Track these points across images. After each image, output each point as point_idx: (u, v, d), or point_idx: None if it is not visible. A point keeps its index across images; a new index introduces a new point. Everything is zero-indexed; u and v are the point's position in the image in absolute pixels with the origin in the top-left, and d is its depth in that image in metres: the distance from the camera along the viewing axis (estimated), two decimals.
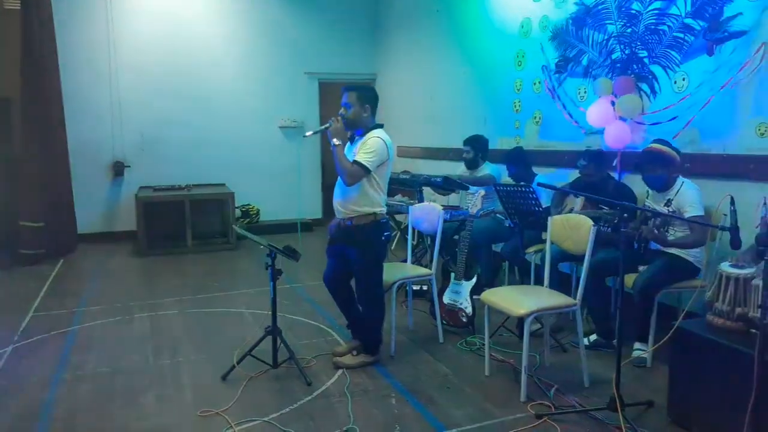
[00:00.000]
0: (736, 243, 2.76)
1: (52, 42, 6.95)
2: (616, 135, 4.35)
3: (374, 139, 3.44)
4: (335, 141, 3.42)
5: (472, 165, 5.42)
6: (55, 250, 6.93)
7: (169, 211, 7.48)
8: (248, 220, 8.46)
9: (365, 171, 3.40)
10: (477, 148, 5.40)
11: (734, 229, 2.74)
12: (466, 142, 5.46)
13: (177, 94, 8.15)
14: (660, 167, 3.57)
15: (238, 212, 8.30)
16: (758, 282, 2.52)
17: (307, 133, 3.77)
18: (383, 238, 3.60)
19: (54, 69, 7.01)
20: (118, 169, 7.95)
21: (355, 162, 3.40)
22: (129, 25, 7.85)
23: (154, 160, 8.14)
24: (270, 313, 3.60)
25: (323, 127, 3.55)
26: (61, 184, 7.17)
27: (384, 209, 3.59)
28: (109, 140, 7.91)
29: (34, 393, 3.37)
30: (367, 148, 3.42)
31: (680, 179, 3.61)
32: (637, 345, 3.52)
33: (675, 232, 3.56)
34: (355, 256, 3.56)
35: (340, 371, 3.61)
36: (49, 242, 6.82)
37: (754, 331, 2.58)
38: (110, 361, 3.84)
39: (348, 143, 3.61)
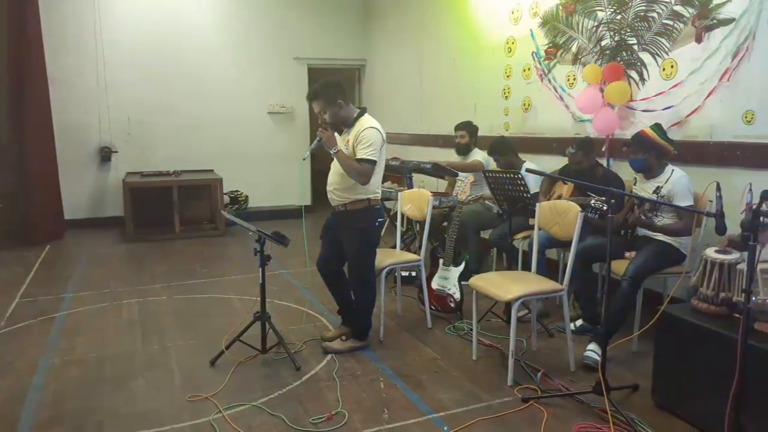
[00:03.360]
0: (721, 229, 2.79)
1: (37, 24, 6.85)
2: (604, 122, 4.37)
3: (367, 130, 3.43)
4: (333, 150, 3.41)
5: (464, 150, 5.42)
6: (42, 236, 6.87)
7: (157, 196, 7.44)
8: (237, 206, 8.43)
9: (372, 165, 3.41)
10: (470, 133, 5.40)
11: (720, 215, 2.76)
12: (460, 127, 5.45)
13: (165, 79, 8.08)
14: (640, 151, 3.60)
15: (226, 198, 8.27)
16: (743, 267, 2.55)
17: (305, 157, 3.85)
18: (377, 223, 3.61)
19: (39, 52, 6.91)
20: (105, 155, 7.88)
21: (361, 160, 3.40)
22: (116, 8, 7.75)
23: (141, 146, 8.08)
24: (258, 298, 3.60)
25: (315, 143, 3.52)
26: (46, 169, 7.09)
27: (378, 195, 3.60)
28: (95, 125, 7.84)
29: (21, 378, 3.36)
30: (364, 143, 3.41)
31: (670, 167, 3.62)
32: (591, 346, 3.49)
33: (663, 218, 3.59)
34: (348, 241, 3.57)
35: (329, 356, 3.62)
36: (36, 227, 6.76)
37: (737, 315, 2.62)
38: (98, 347, 3.83)
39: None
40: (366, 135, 3.42)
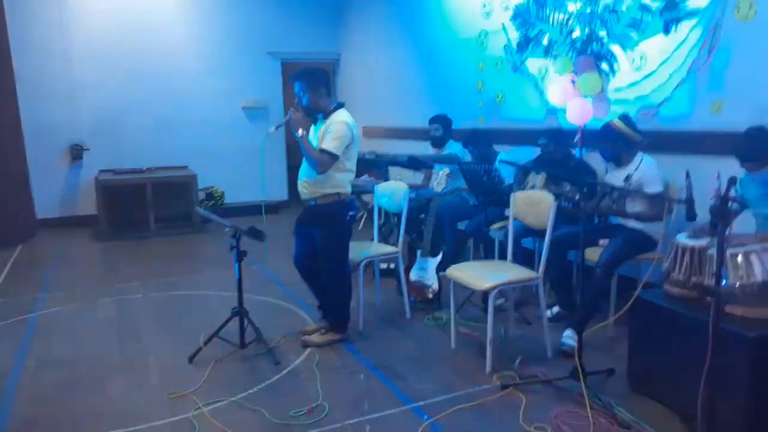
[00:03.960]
0: (691, 215, 2.86)
1: (2, 22, 6.69)
2: (577, 112, 4.42)
3: (338, 124, 3.44)
4: (299, 132, 3.40)
5: (439, 143, 5.44)
6: (13, 236, 6.74)
7: (131, 194, 7.34)
8: (213, 202, 8.36)
9: (333, 158, 3.41)
10: (445, 126, 5.43)
11: (690, 202, 2.82)
12: (434, 120, 5.47)
13: (135, 75, 7.94)
14: (609, 141, 3.67)
15: (202, 195, 8.18)
16: (713, 252, 2.61)
17: (270, 129, 3.67)
18: (348, 217, 3.61)
19: (6, 49, 6.76)
20: (77, 153, 7.74)
21: (323, 151, 3.40)
22: (83, 3, 7.59)
23: (114, 143, 7.94)
24: (235, 294, 3.58)
25: (284, 121, 3.52)
26: (16, 168, 6.95)
27: (349, 189, 3.59)
28: (65, 123, 7.68)
29: None
30: (332, 135, 3.41)
31: (639, 155, 3.69)
32: (567, 332, 3.54)
33: (634, 206, 3.65)
34: (320, 235, 3.57)
35: (308, 349, 3.62)
36: (6, 227, 6.63)
37: (708, 298, 2.68)
38: (74, 348, 3.78)
39: (312, 125, 3.60)
40: (335, 128, 3.43)
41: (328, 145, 3.40)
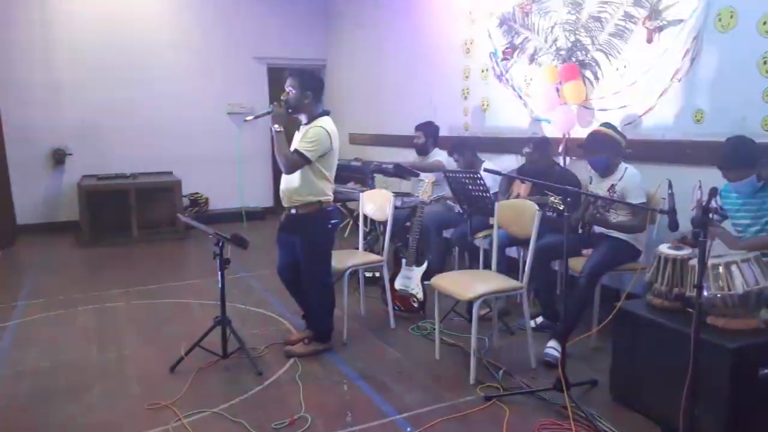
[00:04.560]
0: (673, 225, 2.86)
1: None
2: (562, 120, 4.44)
3: (316, 128, 3.42)
4: (276, 127, 3.38)
5: (422, 151, 5.45)
6: None
7: (114, 200, 7.26)
8: (197, 208, 8.30)
9: (304, 160, 3.38)
10: (428, 134, 5.43)
11: (672, 212, 2.83)
12: (418, 127, 5.48)
13: (119, 79, 7.86)
14: (603, 150, 3.65)
15: (186, 201, 8.12)
16: (694, 262, 2.62)
17: (248, 118, 3.64)
18: (330, 226, 3.58)
19: None
20: (59, 157, 7.65)
21: (295, 151, 3.38)
22: (64, 4, 7.51)
23: (97, 148, 7.86)
24: (218, 303, 3.54)
25: (264, 111, 3.50)
26: None
27: (330, 197, 3.57)
28: (47, 127, 7.59)
29: None
30: (308, 138, 3.39)
31: (623, 165, 3.69)
32: (550, 343, 3.54)
33: (618, 216, 3.67)
34: (301, 244, 3.54)
35: (291, 360, 3.59)
36: None
37: (690, 310, 2.69)
38: (52, 356, 3.72)
39: (296, 131, 3.58)
40: (313, 131, 3.41)
41: (302, 146, 3.38)
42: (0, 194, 6.91)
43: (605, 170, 3.70)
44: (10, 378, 3.41)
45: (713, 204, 2.32)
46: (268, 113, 3.44)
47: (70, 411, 3.02)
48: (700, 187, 2.87)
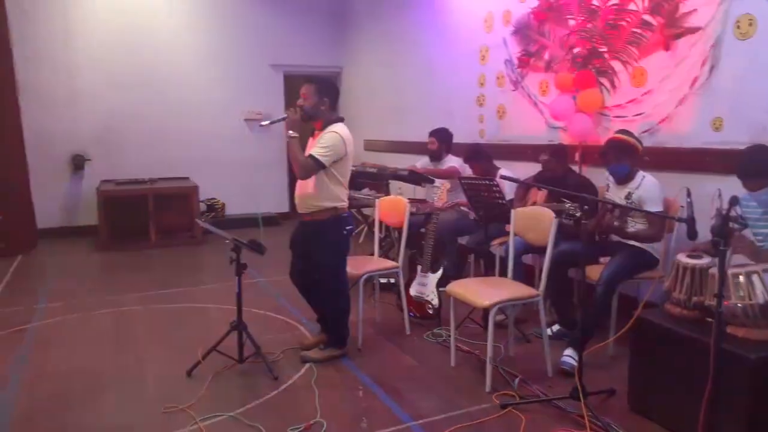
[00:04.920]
0: (692, 234, 2.84)
1: (5, 32, 6.73)
2: (579, 128, 4.42)
3: (331, 134, 3.44)
4: (290, 133, 3.40)
5: (436, 157, 5.45)
6: (14, 246, 6.73)
7: (132, 205, 7.35)
8: (213, 214, 8.36)
9: (319, 166, 3.39)
10: (442, 140, 5.43)
11: (691, 221, 2.81)
12: (432, 133, 5.48)
13: (139, 86, 7.99)
14: (624, 156, 3.63)
15: (203, 206, 8.19)
16: (714, 271, 2.60)
17: (263, 123, 3.71)
18: (344, 232, 3.59)
19: (8, 59, 6.79)
20: (78, 163, 7.77)
21: (310, 156, 3.40)
22: (86, 15, 7.65)
23: (116, 154, 7.98)
24: (235, 307, 3.57)
25: (280, 117, 3.53)
26: (17, 178, 6.96)
27: (344, 203, 3.59)
28: (67, 133, 7.72)
29: None
30: (323, 143, 3.41)
31: (641, 173, 3.67)
32: (567, 351, 3.52)
33: (635, 224, 3.64)
34: (316, 251, 3.55)
35: (307, 365, 3.60)
36: (7, 237, 6.63)
37: (709, 319, 2.66)
38: (71, 359, 3.76)
39: (309, 137, 3.60)
40: (328, 137, 3.43)
41: (317, 151, 3.40)
42: (21, 199, 7.01)
43: (625, 178, 3.68)
44: (30, 380, 3.45)
45: (733, 213, 2.31)
46: (284, 119, 3.46)
47: (88, 414, 3.06)
48: (719, 195, 2.84)
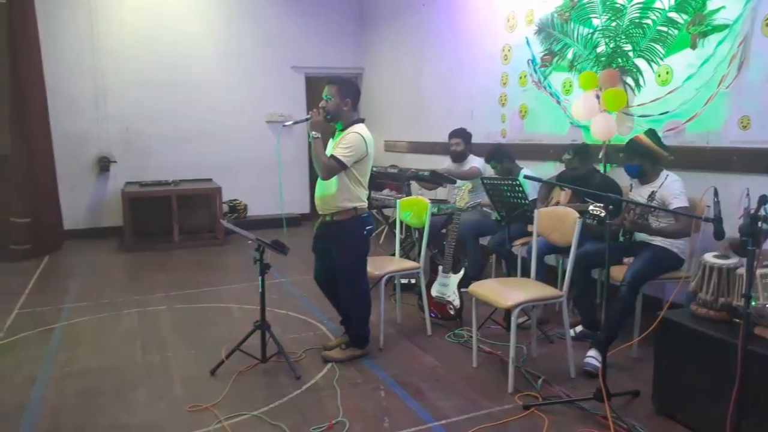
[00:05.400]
0: (719, 234, 2.80)
1: (35, 36, 6.86)
2: (602, 127, 4.38)
3: (352, 134, 3.46)
4: (313, 133, 3.42)
5: (460, 158, 5.43)
6: (42, 247, 6.86)
7: (156, 206, 7.44)
8: (236, 215, 8.44)
9: (341, 166, 3.42)
10: (466, 140, 5.42)
11: (718, 221, 2.77)
12: (455, 134, 5.46)
13: (163, 89, 8.09)
14: (636, 157, 3.62)
15: (225, 207, 8.27)
16: (742, 271, 2.56)
17: (287, 123, 3.76)
18: (365, 232, 3.61)
19: (37, 63, 6.93)
20: (104, 165, 7.89)
21: (332, 157, 3.42)
22: (113, 18, 7.78)
23: (140, 156, 8.09)
24: (258, 307, 3.60)
25: (303, 118, 3.57)
26: (46, 180, 7.10)
27: (365, 204, 3.60)
28: (93, 135, 7.86)
29: (20, 391, 3.34)
30: (344, 144, 3.43)
31: (664, 172, 3.63)
32: (591, 352, 3.48)
33: (659, 223, 3.60)
34: (337, 251, 3.57)
35: (329, 365, 3.62)
36: (35, 238, 6.77)
37: (737, 320, 2.62)
38: (98, 358, 3.82)
39: (330, 137, 3.62)
40: (350, 137, 3.45)
41: (339, 152, 3.42)
42: (49, 200, 7.14)
43: (638, 177, 3.66)
44: (58, 378, 3.52)
45: (762, 212, 2.27)
46: (307, 120, 3.49)
47: (115, 411, 3.10)
48: (747, 194, 2.79)
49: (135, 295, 5.24)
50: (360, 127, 3.52)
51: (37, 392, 3.33)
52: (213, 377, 3.46)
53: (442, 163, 5.70)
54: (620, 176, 4.23)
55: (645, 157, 3.59)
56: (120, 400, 3.23)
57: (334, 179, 3.47)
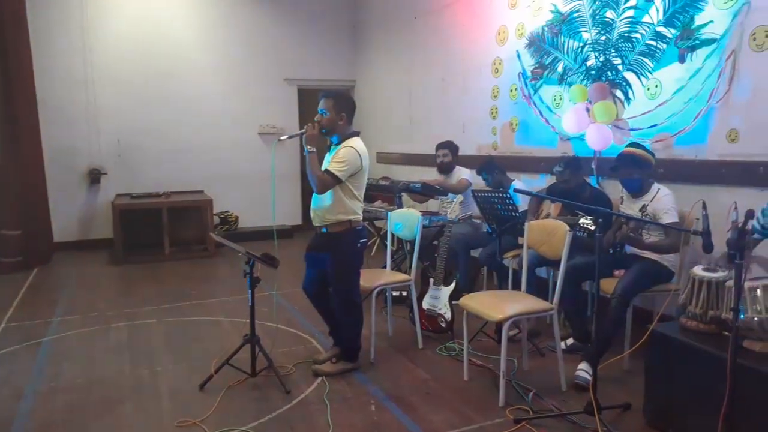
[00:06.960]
0: (708, 247, 2.81)
1: (26, 48, 6.84)
2: (596, 137, 4.38)
3: (347, 148, 3.46)
4: (309, 148, 3.42)
5: (447, 169, 5.44)
6: (31, 259, 6.81)
7: (147, 218, 7.41)
8: (227, 227, 8.41)
9: (336, 180, 3.42)
10: (454, 152, 5.44)
11: (706, 234, 2.79)
12: (443, 146, 5.48)
13: (154, 101, 8.08)
14: (635, 170, 3.62)
15: (216, 219, 8.24)
16: (731, 284, 2.56)
17: (282, 137, 3.74)
18: (359, 245, 3.60)
19: (29, 75, 6.91)
20: (95, 177, 7.85)
21: (327, 171, 3.42)
22: (105, 29, 7.76)
23: (131, 167, 8.06)
24: (248, 321, 3.58)
25: (298, 132, 3.56)
26: (36, 192, 7.06)
27: (359, 216, 3.60)
28: (84, 147, 7.82)
29: (7, 405, 3.30)
30: (339, 158, 3.43)
31: (655, 185, 3.65)
32: (582, 365, 3.47)
33: (650, 236, 3.61)
34: (330, 263, 3.56)
35: (319, 379, 3.59)
36: (25, 251, 6.71)
37: (726, 333, 2.63)
38: (86, 372, 3.79)
39: (326, 151, 3.62)
40: (344, 152, 3.45)
41: (334, 166, 3.42)
42: (39, 213, 7.09)
43: (639, 190, 3.66)
44: (45, 393, 3.48)
45: (749, 225, 2.28)
46: (302, 134, 3.49)
47: (103, 426, 3.07)
48: (735, 208, 2.81)
49: (124, 308, 5.20)
50: (355, 141, 3.53)
51: (24, 406, 3.29)
52: (202, 392, 3.43)
53: (431, 175, 5.71)
54: (611, 189, 4.26)
55: (642, 168, 3.61)
56: (107, 414, 3.20)
57: (329, 192, 3.47)
